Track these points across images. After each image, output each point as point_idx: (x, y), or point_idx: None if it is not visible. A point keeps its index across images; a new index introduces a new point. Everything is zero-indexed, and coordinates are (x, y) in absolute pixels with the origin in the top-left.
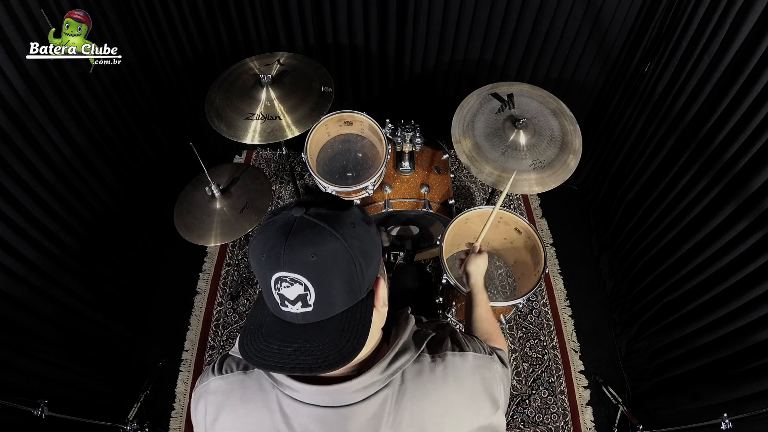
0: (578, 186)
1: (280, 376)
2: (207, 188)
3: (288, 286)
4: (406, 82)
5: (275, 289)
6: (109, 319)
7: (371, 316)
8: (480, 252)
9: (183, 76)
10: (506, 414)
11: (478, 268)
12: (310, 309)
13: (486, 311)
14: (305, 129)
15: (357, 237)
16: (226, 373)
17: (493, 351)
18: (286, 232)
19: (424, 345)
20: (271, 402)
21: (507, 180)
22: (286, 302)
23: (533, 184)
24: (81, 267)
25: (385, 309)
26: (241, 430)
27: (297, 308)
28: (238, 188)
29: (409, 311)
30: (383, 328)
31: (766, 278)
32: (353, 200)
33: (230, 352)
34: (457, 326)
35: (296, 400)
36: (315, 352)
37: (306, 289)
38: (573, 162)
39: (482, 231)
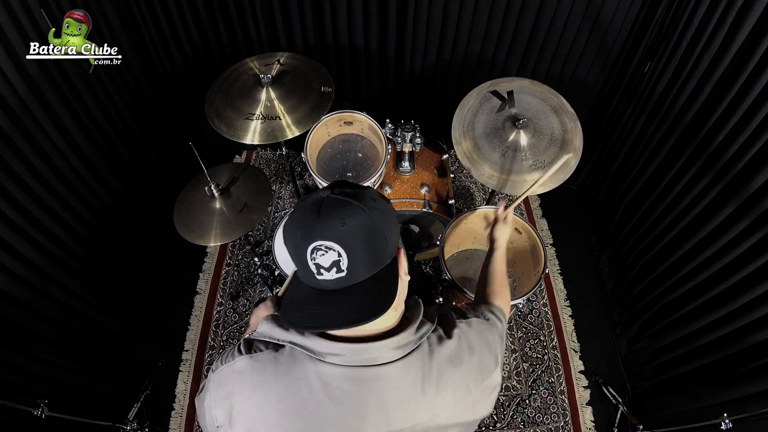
0: (578, 186)
1: (316, 343)
2: (207, 188)
3: (323, 254)
4: (406, 82)
5: (311, 259)
6: (109, 319)
7: (398, 277)
8: (506, 219)
9: (183, 76)
10: (506, 414)
11: (504, 234)
12: (343, 274)
13: (501, 268)
14: (305, 129)
15: (378, 209)
16: (256, 352)
17: (489, 316)
18: (316, 209)
19: (436, 320)
20: (308, 373)
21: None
22: (322, 270)
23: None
24: (81, 267)
25: (407, 278)
26: (275, 406)
27: (332, 275)
28: (238, 188)
29: (417, 297)
30: None
31: (766, 278)
32: None
33: (253, 337)
34: None
35: (333, 364)
36: (350, 308)
37: (339, 255)
38: (573, 162)
39: (523, 194)
